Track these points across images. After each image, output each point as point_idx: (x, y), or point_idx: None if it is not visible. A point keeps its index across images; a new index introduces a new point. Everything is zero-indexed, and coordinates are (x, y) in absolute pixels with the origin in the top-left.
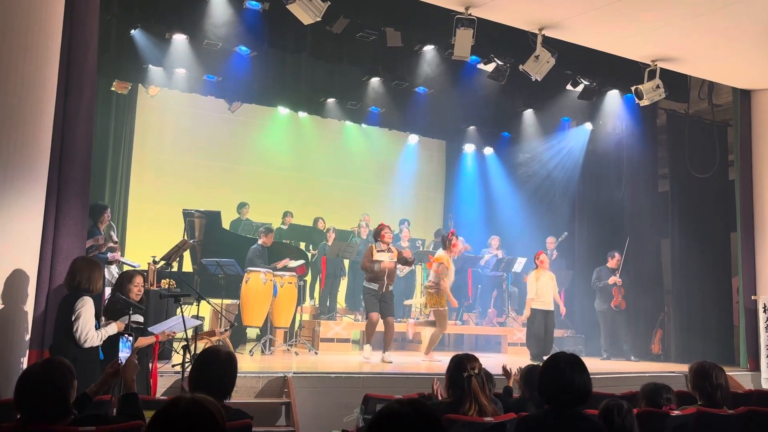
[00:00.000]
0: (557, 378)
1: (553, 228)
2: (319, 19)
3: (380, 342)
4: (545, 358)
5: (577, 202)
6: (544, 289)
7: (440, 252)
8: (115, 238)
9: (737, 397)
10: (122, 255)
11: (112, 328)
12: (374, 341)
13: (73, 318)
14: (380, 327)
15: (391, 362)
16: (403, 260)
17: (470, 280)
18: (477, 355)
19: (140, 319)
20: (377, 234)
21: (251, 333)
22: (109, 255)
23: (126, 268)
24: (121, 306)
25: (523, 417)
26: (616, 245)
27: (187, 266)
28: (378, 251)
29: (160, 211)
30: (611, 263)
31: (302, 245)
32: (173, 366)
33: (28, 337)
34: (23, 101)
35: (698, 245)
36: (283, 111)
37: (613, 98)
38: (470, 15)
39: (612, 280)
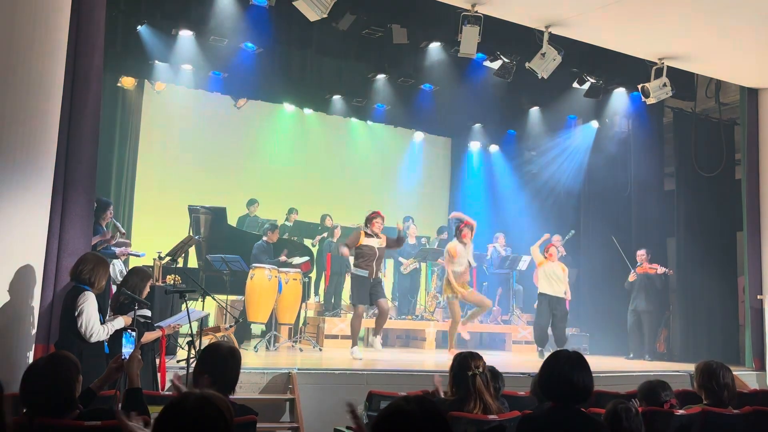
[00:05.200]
0: (557, 375)
1: (559, 226)
2: (325, 16)
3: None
4: (556, 348)
5: (582, 200)
6: (551, 276)
7: (452, 241)
8: (123, 230)
9: (742, 397)
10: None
11: (119, 322)
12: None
13: (76, 314)
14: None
15: (380, 349)
16: (394, 242)
17: (475, 277)
18: (482, 353)
19: (147, 313)
20: (368, 221)
21: (256, 329)
22: (117, 250)
23: (132, 260)
24: (127, 301)
25: (525, 415)
26: (623, 244)
27: (193, 262)
28: (367, 236)
29: (166, 206)
30: (638, 260)
31: (308, 242)
32: (178, 362)
33: (34, 331)
34: (30, 97)
35: (704, 244)
36: (288, 108)
37: (619, 96)
38: (476, 12)
39: (632, 277)
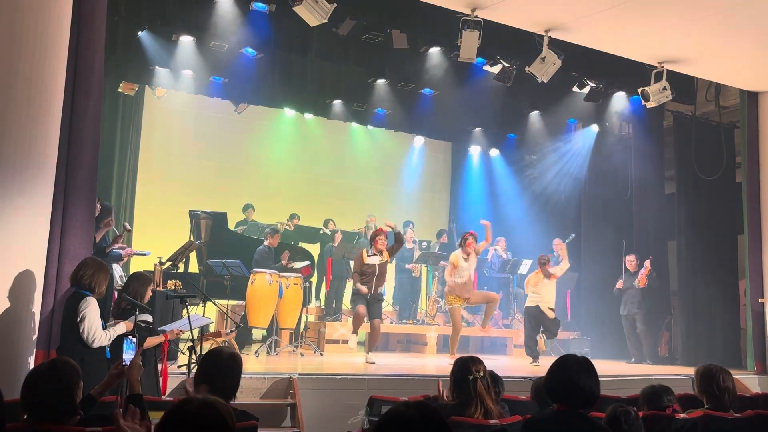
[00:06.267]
0: (564, 379)
1: (560, 230)
2: (325, 21)
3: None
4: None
5: (583, 204)
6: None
7: (455, 252)
8: (129, 227)
9: (744, 401)
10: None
11: (121, 327)
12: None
13: (78, 320)
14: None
15: (373, 363)
16: (395, 247)
17: (476, 282)
18: (482, 357)
19: (149, 318)
20: (372, 239)
21: (257, 334)
22: (122, 252)
23: (135, 262)
24: (128, 306)
25: (529, 419)
26: (623, 247)
27: (193, 267)
28: (369, 255)
29: (167, 212)
30: (628, 266)
31: (309, 247)
32: (179, 367)
33: (35, 337)
34: (31, 102)
35: (705, 247)
36: (289, 112)
37: (619, 100)
38: (476, 17)
39: (620, 284)
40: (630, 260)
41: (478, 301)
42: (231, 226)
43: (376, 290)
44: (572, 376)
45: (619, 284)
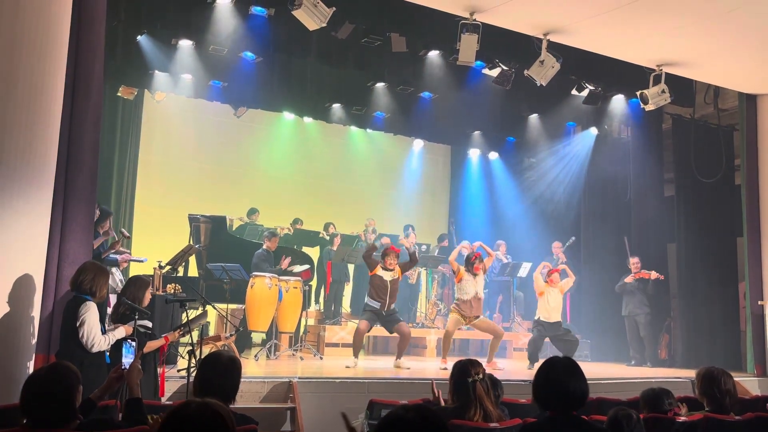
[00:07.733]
0: (551, 382)
1: (559, 233)
2: (324, 25)
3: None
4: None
5: (582, 207)
6: (549, 303)
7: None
8: (127, 233)
9: (744, 403)
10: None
11: (120, 332)
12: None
13: (77, 324)
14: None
15: (408, 368)
16: (409, 264)
17: None
18: (483, 360)
19: (148, 324)
20: (382, 257)
21: (256, 338)
22: (119, 257)
23: (133, 267)
24: (127, 311)
25: (526, 424)
26: (622, 250)
27: (193, 271)
28: (382, 269)
29: (166, 215)
30: (631, 268)
31: (309, 250)
32: (179, 371)
33: (34, 341)
34: (31, 107)
35: (704, 250)
36: (288, 116)
37: (618, 103)
38: (475, 20)
39: (629, 279)
40: (634, 262)
41: (482, 328)
42: (232, 228)
43: (389, 307)
44: (561, 379)
45: (629, 279)
